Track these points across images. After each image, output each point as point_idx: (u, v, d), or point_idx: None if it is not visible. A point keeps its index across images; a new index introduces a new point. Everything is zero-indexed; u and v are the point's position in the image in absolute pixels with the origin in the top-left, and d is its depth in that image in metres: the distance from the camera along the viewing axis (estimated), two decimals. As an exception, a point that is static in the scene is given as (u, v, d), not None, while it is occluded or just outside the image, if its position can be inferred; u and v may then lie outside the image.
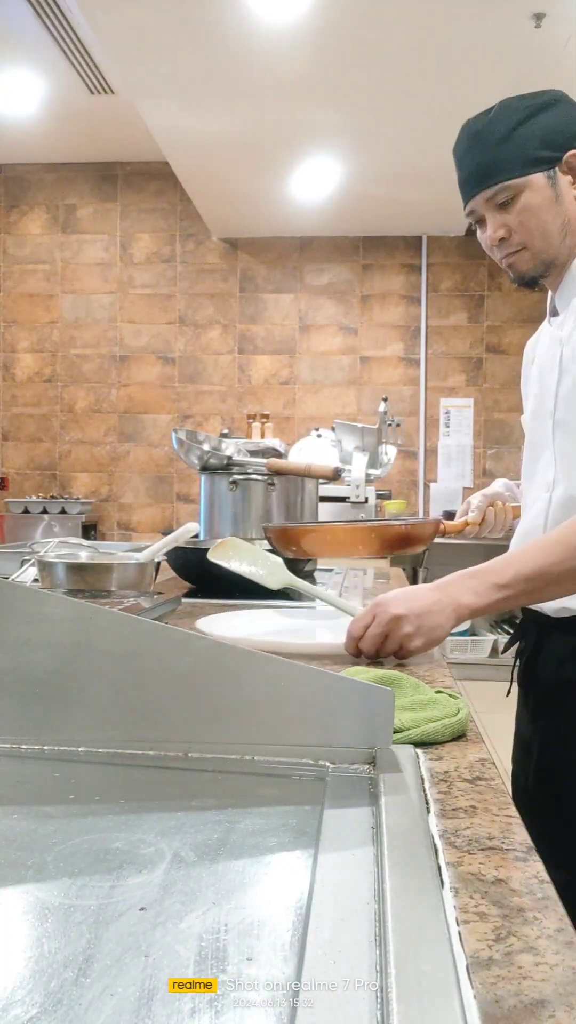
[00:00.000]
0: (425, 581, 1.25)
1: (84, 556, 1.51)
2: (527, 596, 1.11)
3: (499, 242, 1.28)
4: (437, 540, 1.53)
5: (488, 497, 1.57)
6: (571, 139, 1.25)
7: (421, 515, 6.07)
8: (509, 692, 1.47)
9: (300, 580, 1.26)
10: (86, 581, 1.34)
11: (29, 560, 1.55)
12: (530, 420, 1.38)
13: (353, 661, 1.08)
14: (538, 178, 1.25)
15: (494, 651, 5.45)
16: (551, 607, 1.26)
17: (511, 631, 1.55)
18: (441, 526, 1.51)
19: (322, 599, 1.26)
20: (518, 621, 1.42)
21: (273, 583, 1.26)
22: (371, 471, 3.15)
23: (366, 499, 3.02)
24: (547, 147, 1.25)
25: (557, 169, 1.25)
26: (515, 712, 1.43)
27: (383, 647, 1.06)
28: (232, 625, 1.29)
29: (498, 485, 1.64)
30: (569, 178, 1.25)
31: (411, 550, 1.46)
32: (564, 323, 1.30)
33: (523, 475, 1.41)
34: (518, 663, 1.42)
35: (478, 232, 1.33)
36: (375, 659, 1.09)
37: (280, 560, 1.29)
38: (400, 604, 1.06)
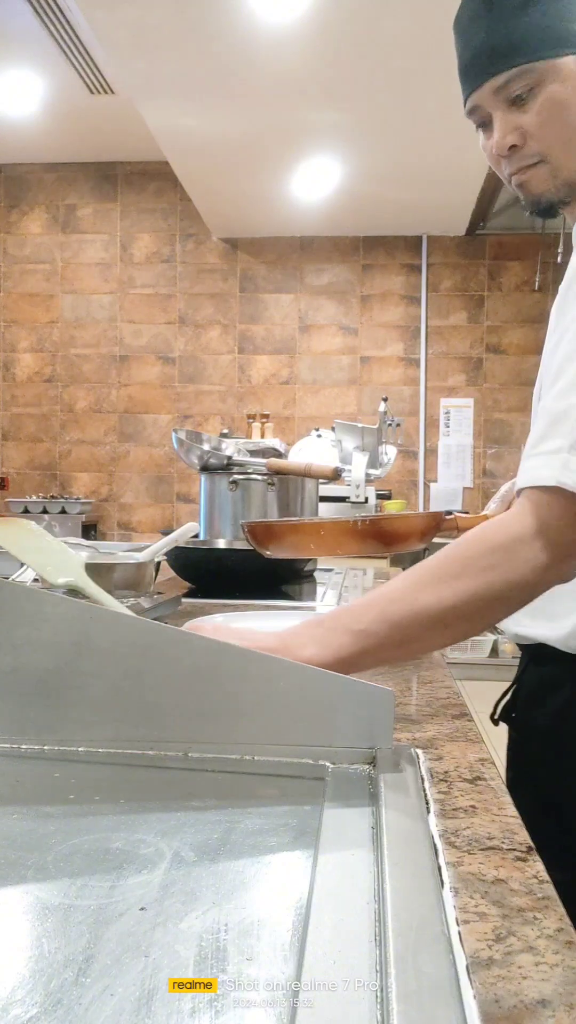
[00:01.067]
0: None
1: (84, 556, 1.51)
2: (396, 647, 0.81)
3: (509, 151, 0.96)
4: (445, 538, 1.43)
5: (508, 498, 1.28)
6: None
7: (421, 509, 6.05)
8: (496, 721, 1.25)
9: (90, 583, 1.00)
10: (86, 581, 1.34)
11: (29, 560, 1.55)
12: (536, 394, 1.14)
13: None
14: (568, 62, 0.91)
15: (494, 651, 5.44)
16: (510, 632, 1.12)
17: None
18: (455, 520, 1.31)
19: (102, 601, 0.99)
20: None
21: (55, 577, 1.01)
22: (371, 471, 3.16)
23: (366, 499, 3.02)
24: None
25: None
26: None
27: None
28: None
29: (507, 487, 1.36)
30: None
31: (406, 547, 1.29)
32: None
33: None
34: (509, 694, 1.23)
35: (481, 138, 1.01)
36: None
37: (78, 557, 1.09)
38: (216, 633, 0.82)
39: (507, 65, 0.93)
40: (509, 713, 1.23)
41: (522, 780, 1.16)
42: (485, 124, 0.99)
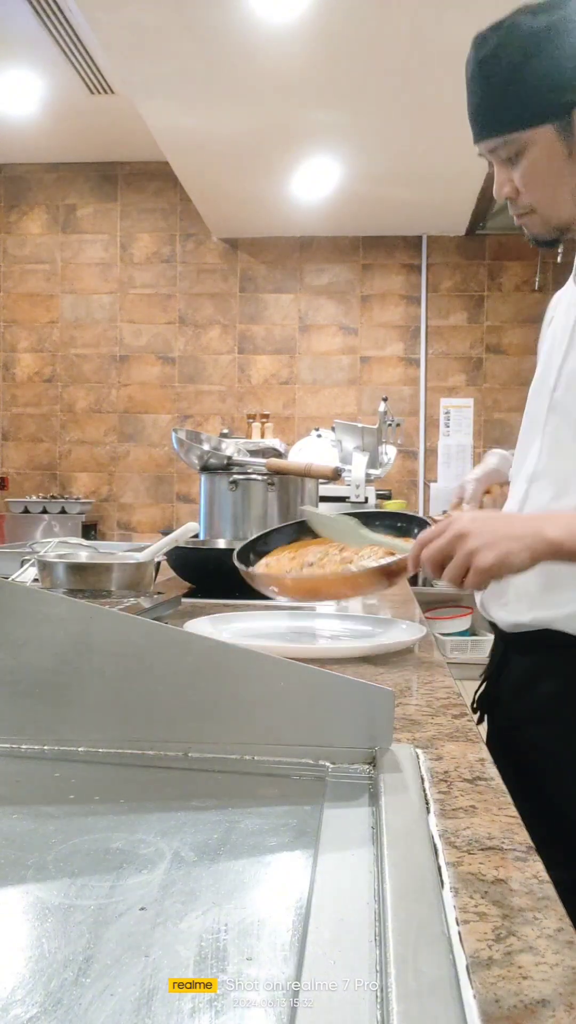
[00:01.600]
0: (425, 581, 1.22)
1: (84, 556, 1.51)
2: None
3: (508, 200, 1.09)
4: None
5: (483, 481, 1.37)
6: None
7: (421, 513, 6.06)
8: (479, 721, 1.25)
9: (377, 536, 1.24)
10: (86, 581, 1.34)
11: (29, 560, 1.55)
12: (531, 392, 1.20)
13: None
14: (546, 132, 1.00)
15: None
16: (505, 621, 1.12)
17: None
18: (431, 520, 1.34)
19: (397, 548, 1.21)
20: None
21: (357, 543, 1.25)
22: (371, 471, 3.16)
23: (366, 499, 3.02)
24: (563, 88, 0.98)
25: (574, 114, 0.99)
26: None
27: (451, 567, 0.92)
28: (221, 630, 1.28)
29: (493, 459, 1.41)
30: None
31: (406, 575, 1.30)
32: None
33: (516, 453, 1.23)
34: (480, 687, 1.25)
35: (494, 170, 1.12)
36: (438, 577, 0.96)
37: (354, 521, 1.26)
38: (473, 523, 0.93)
39: (494, 133, 1.04)
40: (489, 705, 1.22)
41: (509, 772, 1.16)
42: (493, 164, 1.10)
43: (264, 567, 1.34)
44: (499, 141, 1.04)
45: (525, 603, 1.09)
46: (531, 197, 1.06)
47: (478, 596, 1.20)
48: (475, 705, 1.24)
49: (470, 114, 1.08)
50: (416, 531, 1.32)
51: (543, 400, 1.14)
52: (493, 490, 1.39)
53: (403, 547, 1.17)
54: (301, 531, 1.46)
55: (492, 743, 1.19)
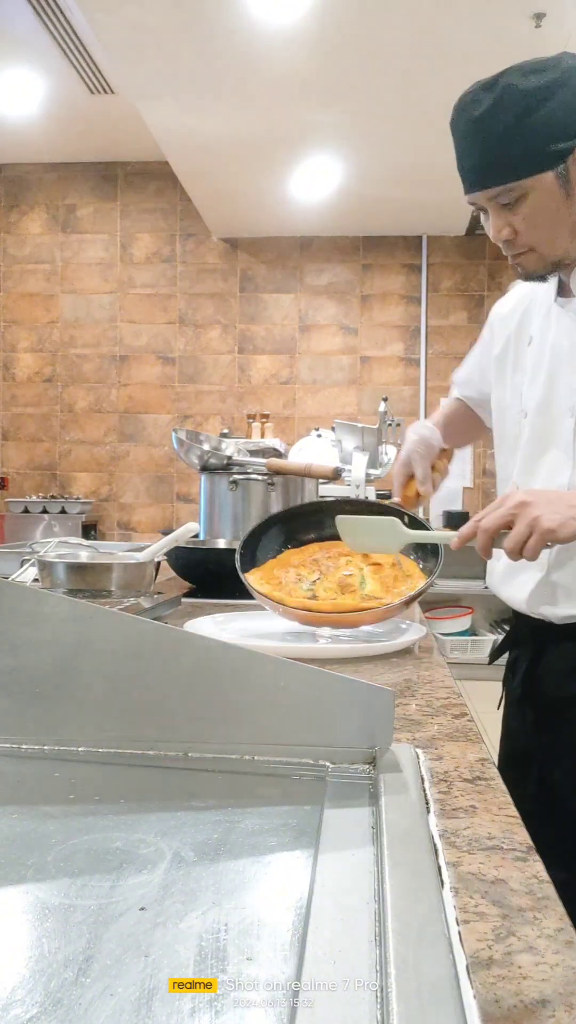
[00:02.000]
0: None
1: (84, 556, 1.51)
2: None
3: (504, 242, 1.17)
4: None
5: (428, 459, 1.42)
6: None
7: (421, 513, 6.06)
8: (500, 704, 1.38)
9: (416, 532, 1.23)
10: (86, 581, 1.34)
11: (29, 560, 1.55)
12: (533, 413, 1.25)
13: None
14: (547, 177, 1.10)
15: (494, 651, 5.44)
16: (557, 615, 1.19)
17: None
18: (398, 502, 1.41)
19: (442, 540, 1.22)
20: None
21: (396, 547, 1.24)
22: (371, 471, 3.15)
23: (366, 499, 3.01)
24: (558, 138, 1.08)
25: (569, 161, 1.09)
26: (501, 721, 1.36)
27: (514, 533, 1.01)
28: (220, 631, 1.28)
29: (425, 433, 1.44)
30: None
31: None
32: None
33: (518, 471, 1.28)
34: (512, 674, 1.33)
35: (482, 217, 1.21)
36: (488, 551, 1.04)
37: (395, 520, 1.24)
38: (530, 494, 1.03)
39: (497, 182, 1.12)
40: (530, 689, 1.28)
41: (555, 751, 1.23)
42: (484, 211, 1.18)
43: (261, 581, 1.33)
44: (502, 189, 1.11)
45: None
46: (531, 238, 1.14)
47: (521, 595, 1.25)
48: (516, 691, 1.31)
49: (465, 167, 1.16)
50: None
51: (560, 418, 1.19)
52: (438, 467, 1.44)
53: (448, 536, 1.16)
54: (290, 529, 1.45)
55: (528, 729, 1.27)
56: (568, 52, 1.13)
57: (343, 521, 1.24)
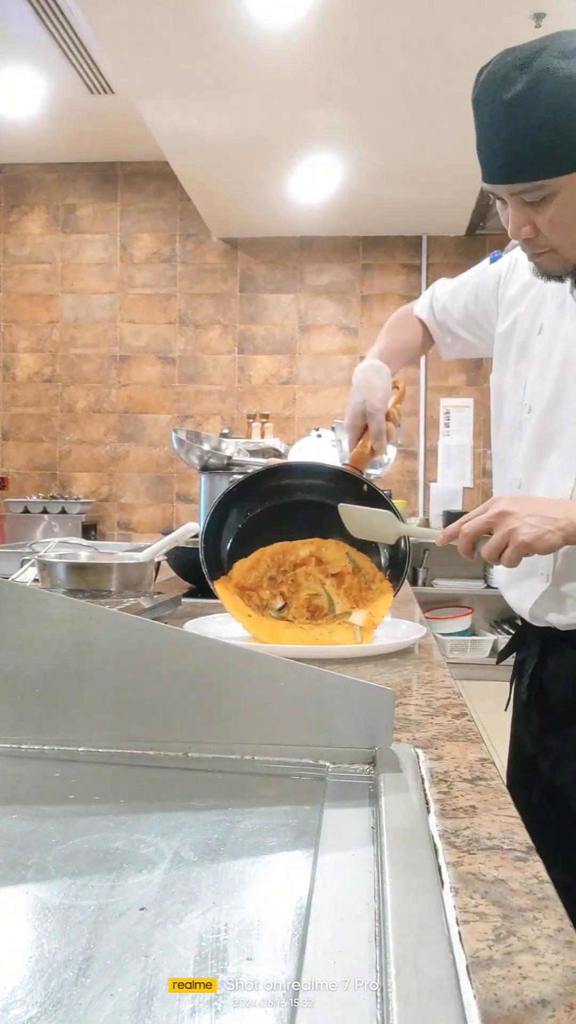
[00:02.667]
0: (425, 581, 1.24)
1: (84, 556, 1.51)
2: None
3: (523, 241, 1.08)
4: (431, 531, 1.43)
5: (382, 410, 1.34)
6: None
7: (420, 514, 6.06)
8: (507, 706, 1.37)
9: (411, 527, 1.26)
10: (86, 581, 1.34)
11: (29, 560, 1.55)
12: (540, 409, 1.20)
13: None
14: None
15: (494, 651, 5.44)
16: (562, 621, 1.18)
17: (512, 631, 1.48)
18: (351, 467, 1.36)
19: (429, 536, 1.23)
20: (520, 624, 1.38)
21: (391, 538, 1.27)
22: (371, 471, 3.15)
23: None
24: None
25: None
26: (511, 724, 1.36)
27: (492, 541, 1.02)
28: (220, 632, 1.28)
29: (376, 380, 1.35)
30: None
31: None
32: None
33: (521, 467, 1.24)
34: (518, 678, 1.32)
35: (498, 205, 1.10)
36: (470, 553, 1.05)
37: (391, 513, 1.26)
38: (513, 503, 1.03)
39: (525, 178, 1.00)
40: (537, 693, 1.28)
41: (560, 753, 1.22)
42: (501, 200, 1.07)
43: (228, 585, 1.30)
44: (528, 187, 1.01)
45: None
46: (555, 239, 1.05)
47: (526, 603, 1.24)
48: (526, 696, 1.30)
49: (489, 153, 1.03)
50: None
51: (568, 419, 1.16)
52: (392, 414, 1.37)
53: (434, 533, 1.17)
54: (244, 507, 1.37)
55: (534, 732, 1.26)
56: None
57: (345, 509, 1.25)
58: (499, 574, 1.31)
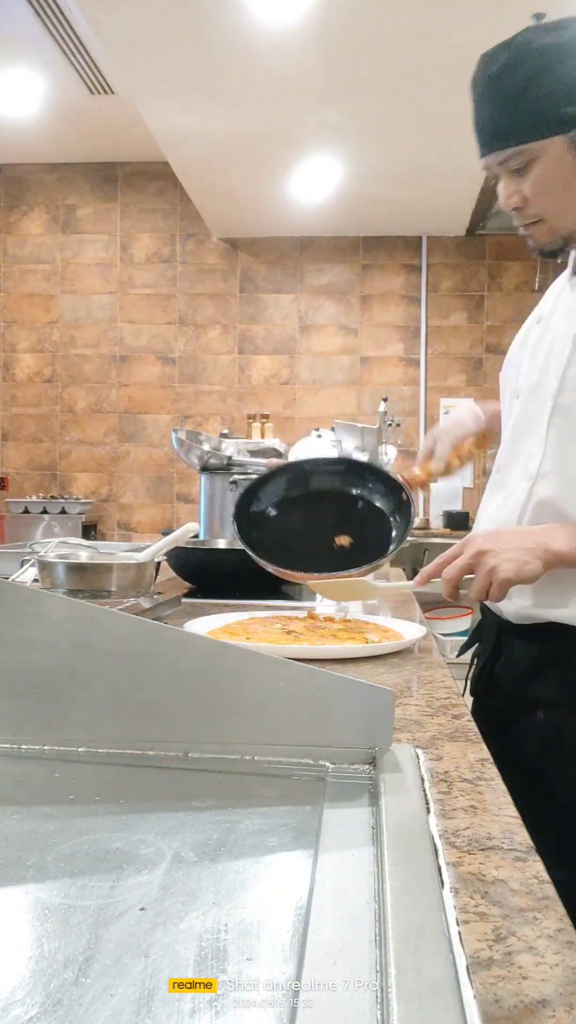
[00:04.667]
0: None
1: (84, 556, 1.51)
2: None
3: (513, 210, 1.12)
4: (433, 530, 1.56)
5: (451, 437, 1.42)
6: None
7: (420, 514, 6.06)
8: (464, 692, 1.33)
9: (386, 584, 1.35)
10: (86, 581, 1.34)
11: (29, 560, 1.55)
12: (525, 393, 1.20)
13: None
14: (556, 142, 1.04)
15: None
16: (510, 611, 1.16)
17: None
18: (403, 479, 1.47)
19: (400, 587, 1.34)
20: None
21: (371, 596, 1.42)
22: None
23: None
24: (571, 101, 1.02)
25: None
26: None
27: (476, 583, 1.03)
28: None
29: (464, 416, 1.45)
30: None
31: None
32: None
33: (502, 451, 1.26)
34: (473, 668, 1.31)
35: (499, 187, 1.15)
36: (455, 595, 1.07)
37: (363, 579, 1.33)
38: (487, 540, 1.03)
39: (505, 145, 1.07)
40: (488, 686, 1.27)
41: (510, 755, 1.19)
42: (498, 177, 1.13)
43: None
44: (511, 152, 1.07)
45: (529, 598, 1.14)
46: (540, 206, 1.09)
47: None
48: (472, 688, 1.30)
49: (478, 128, 1.11)
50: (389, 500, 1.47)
51: (543, 401, 1.15)
52: (461, 449, 1.43)
53: (409, 585, 1.22)
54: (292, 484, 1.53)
55: (489, 726, 1.22)
56: None
57: (317, 585, 1.33)
58: None
